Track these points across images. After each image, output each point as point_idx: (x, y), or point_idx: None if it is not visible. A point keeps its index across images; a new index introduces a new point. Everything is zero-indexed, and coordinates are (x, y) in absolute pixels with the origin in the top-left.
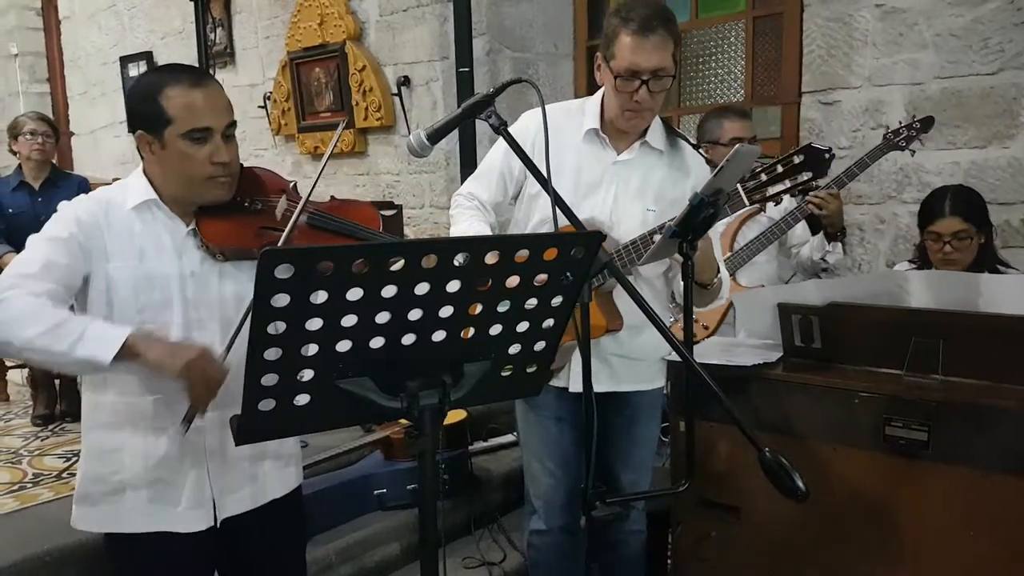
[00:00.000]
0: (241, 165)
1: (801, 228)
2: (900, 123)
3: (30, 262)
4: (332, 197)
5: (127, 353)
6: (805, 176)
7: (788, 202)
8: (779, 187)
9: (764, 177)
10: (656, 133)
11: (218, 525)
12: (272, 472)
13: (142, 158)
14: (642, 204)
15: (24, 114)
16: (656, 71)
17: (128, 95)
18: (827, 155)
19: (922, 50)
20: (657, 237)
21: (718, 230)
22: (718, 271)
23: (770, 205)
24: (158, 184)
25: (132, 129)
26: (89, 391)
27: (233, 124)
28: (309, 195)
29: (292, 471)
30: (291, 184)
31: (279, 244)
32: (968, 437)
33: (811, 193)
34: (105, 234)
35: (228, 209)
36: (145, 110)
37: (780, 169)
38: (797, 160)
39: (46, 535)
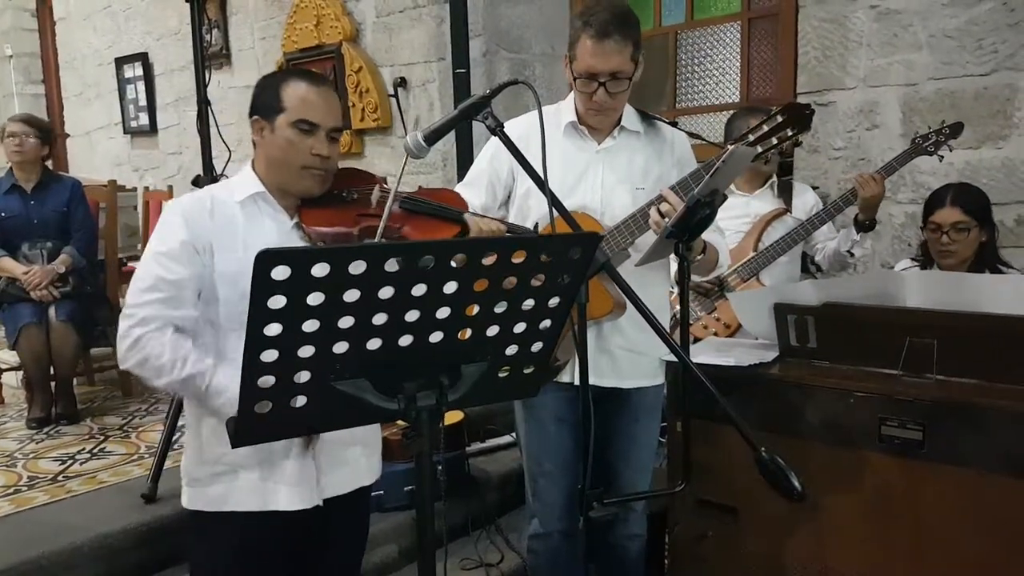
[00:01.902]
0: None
1: (827, 228)
2: (929, 128)
3: (153, 287)
4: (420, 187)
5: None
6: (790, 132)
7: (816, 201)
8: (766, 144)
9: (751, 138)
10: (631, 117)
11: (321, 504)
12: (362, 459)
13: (254, 146)
14: (630, 185)
15: (10, 117)
16: (613, 74)
17: (256, 86)
18: (807, 111)
19: (916, 51)
20: (653, 210)
21: (742, 230)
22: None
23: (796, 206)
24: (264, 176)
25: (250, 115)
26: None
27: (340, 129)
28: (397, 185)
29: (376, 461)
30: (383, 179)
31: (379, 229)
32: (963, 437)
33: (859, 173)
34: (211, 231)
35: (327, 200)
36: (265, 98)
37: (765, 128)
38: (780, 118)
39: (42, 539)
